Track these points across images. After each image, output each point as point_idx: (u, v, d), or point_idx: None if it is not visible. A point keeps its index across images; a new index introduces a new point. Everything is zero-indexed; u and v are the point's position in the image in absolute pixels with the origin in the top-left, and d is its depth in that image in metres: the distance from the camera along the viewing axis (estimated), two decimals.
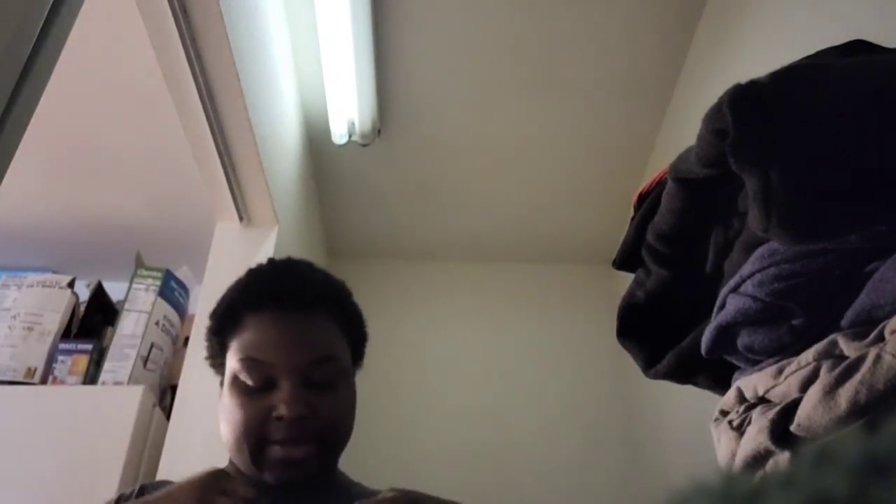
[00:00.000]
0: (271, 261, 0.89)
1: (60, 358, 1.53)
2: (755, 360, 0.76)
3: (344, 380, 0.82)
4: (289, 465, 0.75)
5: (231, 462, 0.83)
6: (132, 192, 2.12)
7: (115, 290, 1.78)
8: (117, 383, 1.48)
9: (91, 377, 1.51)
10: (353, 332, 0.87)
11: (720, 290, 0.78)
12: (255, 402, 0.77)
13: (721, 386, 0.86)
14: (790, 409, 0.65)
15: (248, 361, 0.78)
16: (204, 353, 0.89)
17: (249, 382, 0.77)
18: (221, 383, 0.85)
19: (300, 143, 1.94)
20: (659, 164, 1.79)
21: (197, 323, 1.53)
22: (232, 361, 0.80)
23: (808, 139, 0.62)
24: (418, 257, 2.46)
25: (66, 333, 1.61)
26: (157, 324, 1.58)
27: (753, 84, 0.65)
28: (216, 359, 0.86)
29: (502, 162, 2.13)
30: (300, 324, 0.81)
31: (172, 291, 1.66)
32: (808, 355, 0.67)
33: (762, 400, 0.73)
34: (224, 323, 0.84)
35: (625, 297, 0.97)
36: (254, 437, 0.76)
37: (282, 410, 0.75)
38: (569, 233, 2.39)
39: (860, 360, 0.59)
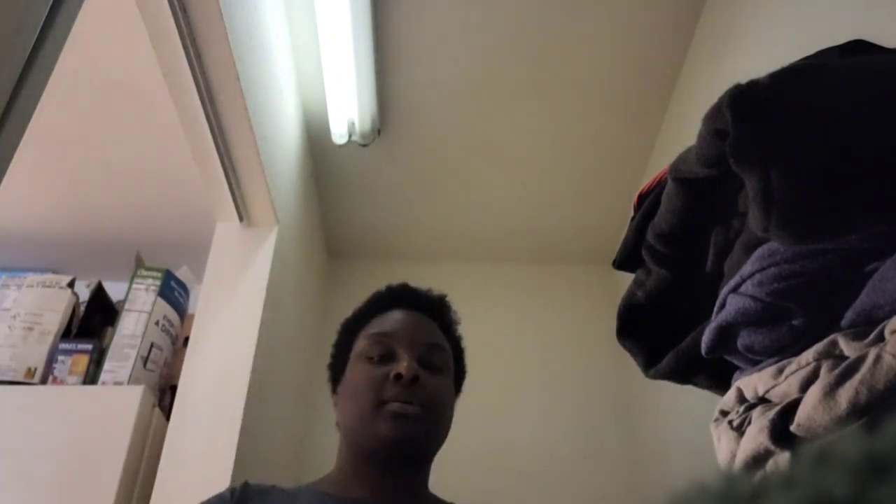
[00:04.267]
0: (390, 285, 1.05)
1: (60, 358, 1.53)
2: (755, 360, 0.76)
3: (448, 374, 0.96)
4: (401, 419, 0.85)
5: (340, 456, 0.93)
6: (132, 193, 2.12)
7: (115, 290, 1.78)
8: (117, 383, 1.48)
9: (91, 377, 1.51)
10: (456, 351, 1.03)
11: (720, 290, 0.78)
12: (376, 369, 0.90)
13: (721, 386, 0.86)
14: (790, 409, 0.65)
15: (374, 336, 0.93)
16: (328, 360, 1.02)
17: (373, 354, 0.92)
18: (333, 390, 0.99)
19: (300, 143, 1.94)
20: (659, 164, 1.79)
21: (197, 323, 1.53)
22: (358, 345, 0.95)
23: (807, 139, 0.62)
24: (418, 257, 2.46)
25: (66, 333, 1.61)
26: (157, 324, 1.58)
27: (753, 84, 0.65)
28: (339, 357, 0.99)
29: (502, 162, 2.13)
30: (420, 317, 0.98)
31: (172, 291, 1.66)
32: (808, 355, 0.67)
33: (762, 400, 0.73)
34: (352, 327, 0.99)
35: (625, 297, 0.97)
36: (373, 393, 0.87)
37: (401, 369, 0.88)
38: (569, 233, 2.39)
39: (860, 360, 0.59)
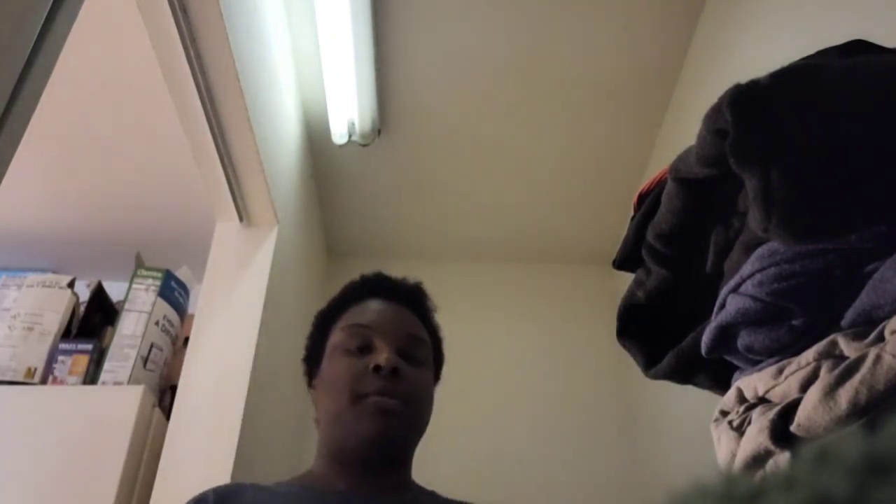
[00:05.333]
0: (364, 274, 1.01)
1: (60, 358, 1.53)
2: (755, 360, 0.76)
3: (427, 367, 0.93)
4: (381, 415, 0.83)
5: (319, 452, 0.90)
6: (132, 192, 2.12)
7: (115, 290, 1.78)
8: (117, 383, 1.48)
9: (91, 377, 1.51)
10: (434, 340, 0.98)
11: (720, 290, 0.78)
12: (355, 361, 0.87)
13: (721, 386, 0.86)
14: (790, 409, 0.65)
15: (352, 328, 0.90)
16: (302, 354, 0.99)
17: (351, 346, 0.89)
18: (309, 383, 0.95)
19: (300, 143, 1.94)
20: (659, 164, 1.79)
21: (197, 323, 1.53)
22: (334, 337, 0.91)
23: (807, 139, 0.62)
24: (418, 257, 2.46)
25: (66, 333, 1.61)
26: (157, 324, 1.58)
27: (753, 84, 0.65)
28: (315, 351, 0.95)
29: (502, 162, 2.13)
30: (397, 307, 0.94)
31: (172, 291, 1.66)
32: (808, 355, 0.66)
33: (762, 400, 0.73)
34: (327, 318, 0.96)
35: (625, 297, 0.97)
36: (352, 387, 0.85)
37: (380, 360, 0.85)
38: (569, 233, 2.39)
39: (860, 361, 0.59)
